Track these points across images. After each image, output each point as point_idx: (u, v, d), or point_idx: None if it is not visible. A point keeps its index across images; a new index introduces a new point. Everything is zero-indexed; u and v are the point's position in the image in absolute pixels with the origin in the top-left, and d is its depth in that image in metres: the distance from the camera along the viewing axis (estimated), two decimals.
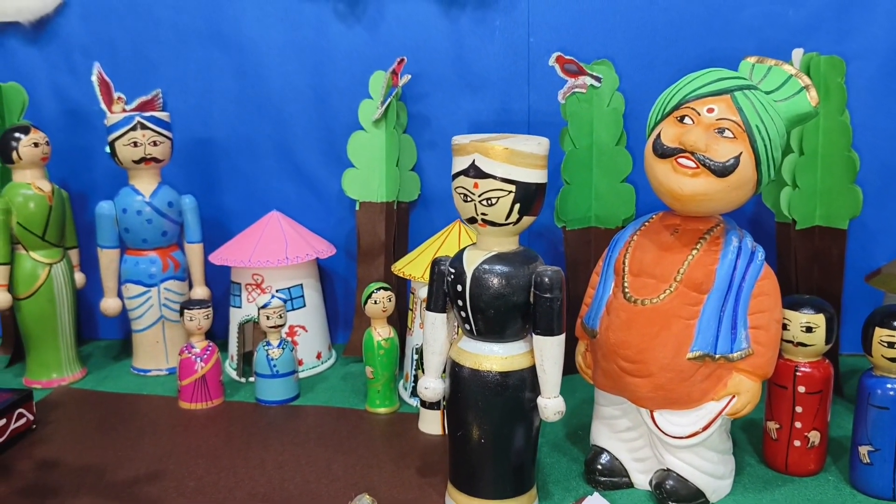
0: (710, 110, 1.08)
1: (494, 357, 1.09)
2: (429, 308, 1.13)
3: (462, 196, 1.06)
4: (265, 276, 1.65)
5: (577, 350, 1.29)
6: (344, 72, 1.83)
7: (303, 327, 1.69)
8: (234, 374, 1.69)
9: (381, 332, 1.48)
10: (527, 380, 1.09)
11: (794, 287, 1.56)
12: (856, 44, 1.66)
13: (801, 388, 1.22)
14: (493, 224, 1.05)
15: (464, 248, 1.11)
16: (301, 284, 1.69)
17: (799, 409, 1.23)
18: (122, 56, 1.89)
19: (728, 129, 1.07)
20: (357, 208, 1.77)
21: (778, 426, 1.25)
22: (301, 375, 1.67)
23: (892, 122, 1.67)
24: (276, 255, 1.63)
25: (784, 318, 1.20)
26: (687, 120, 1.10)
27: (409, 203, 1.84)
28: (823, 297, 1.50)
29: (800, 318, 1.20)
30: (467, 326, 1.10)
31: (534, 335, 1.07)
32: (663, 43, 1.70)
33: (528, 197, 1.04)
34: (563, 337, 1.06)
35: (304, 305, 1.70)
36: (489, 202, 1.03)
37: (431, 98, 1.83)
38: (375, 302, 1.47)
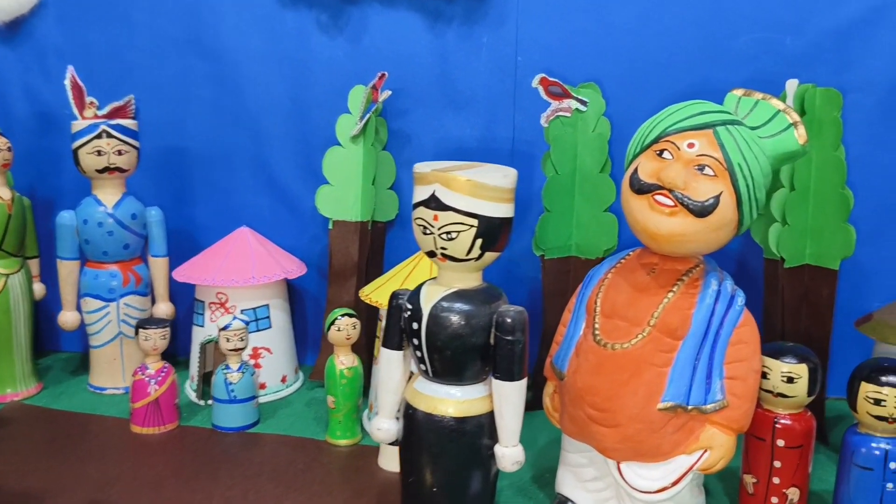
0: (691, 145, 1.02)
1: (451, 400, 1.02)
2: (384, 344, 1.06)
3: (421, 228, 0.99)
4: (230, 296, 1.58)
5: (545, 391, 1.22)
6: (324, 85, 1.77)
7: (267, 349, 1.62)
8: (193, 397, 1.61)
9: (344, 361, 1.41)
10: (485, 426, 1.02)
11: (780, 328, 1.48)
12: (855, 76, 1.59)
13: (781, 442, 1.15)
14: (453, 259, 0.98)
15: (423, 283, 1.04)
16: (267, 305, 1.62)
17: (777, 464, 1.15)
18: (97, 60, 1.83)
19: (708, 165, 1.00)
20: (330, 227, 1.70)
21: (755, 480, 1.18)
22: (263, 399, 1.60)
23: (889, 159, 1.60)
24: (242, 274, 1.56)
25: (764, 367, 1.13)
26: (666, 154, 1.03)
27: (386, 223, 1.78)
28: (811, 339, 1.45)
29: (781, 367, 1.13)
30: (423, 367, 1.03)
31: (493, 379, 1.00)
32: (655, 68, 1.64)
33: (491, 232, 0.97)
34: (524, 382, 1.00)
35: (270, 327, 1.63)
36: (449, 236, 0.96)
37: (413, 114, 1.76)
38: (339, 329, 1.40)
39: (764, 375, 1.14)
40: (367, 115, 1.65)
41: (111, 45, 1.83)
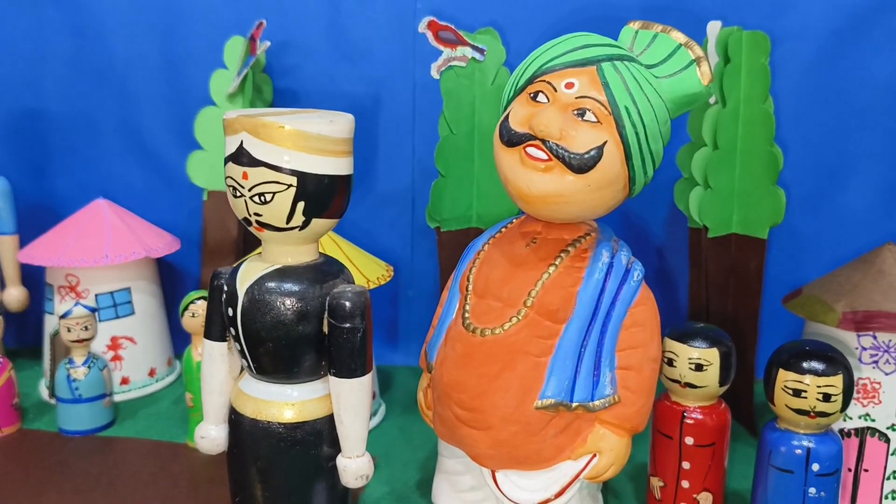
0: (570, 85, 0.83)
1: (282, 403, 0.83)
2: (205, 335, 0.87)
3: (231, 189, 0.79)
4: (81, 278, 1.37)
5: (419, 384, 1.03)
6: (199, 36, 1.56)
7: (130, 339, 1.42)
8: (46, 394, 1.41)
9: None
10: (323, 433, 0.83)
11: (704, 304, 1.32)
12: (791, 21, 1.43)
13: (689, 440, 0.98)
14: (271, 228, 0.79)
15: (244, 259, 0.85)
16: (129, 288, 1.42)
17: (686, 465, 0.99)
18: None
19: (590, 110, 0.81)
20: (205, 198, 1.50)
21: (662, 484, 1.01)
22: (127, 396, 1.40)
23: (826, 113, 1.43)
24: (93, 253, 1.35)
25: (670, 353, 0.97)
26: (541, 97, 0.84)
27: None
28: (738, 318, 1.28)
29: (689, 353, 0.96)
30: (245, 362, 0.84)
31: (330, 377, 0.82)
32: (567, 11, 1.46)
33: (318, 193, 0.78)
34: (366, 379, 0.81)
35: (133, 313, 1.42)
36: (262, 198, 0.77)
37: (301, 70, 1.56)
38: (193, 315, 1.20)
39: (670, 362, 0.97)
40: (245, 70, 1.44)
41: None
